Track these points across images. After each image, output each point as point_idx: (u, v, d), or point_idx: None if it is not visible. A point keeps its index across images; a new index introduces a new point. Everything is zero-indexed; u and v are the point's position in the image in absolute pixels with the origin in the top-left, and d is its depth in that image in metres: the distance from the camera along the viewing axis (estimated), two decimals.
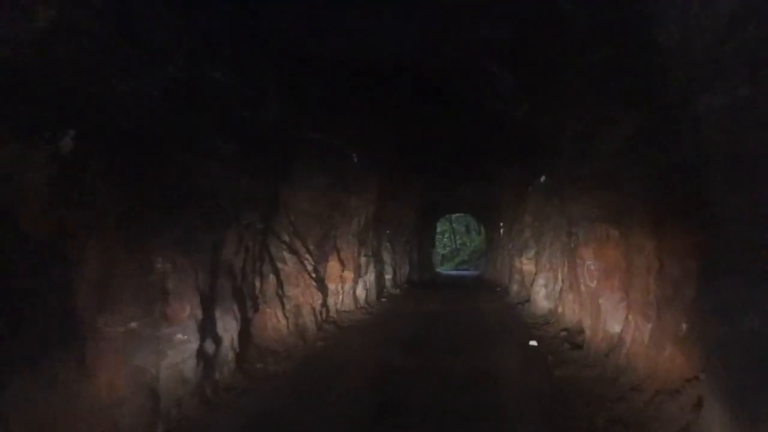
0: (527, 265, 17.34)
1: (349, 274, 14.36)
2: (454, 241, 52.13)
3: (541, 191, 16.42)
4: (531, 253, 17.07)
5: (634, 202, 7.34)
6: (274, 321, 10.24)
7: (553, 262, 14.63)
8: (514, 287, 19.22)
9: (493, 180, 23.96)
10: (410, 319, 14.38)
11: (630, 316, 7.67)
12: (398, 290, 21.11)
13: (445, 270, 43.90)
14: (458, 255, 49.60)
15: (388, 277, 20.96)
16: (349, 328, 12.68)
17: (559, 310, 13.31)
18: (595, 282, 8.90)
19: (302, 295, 11.42)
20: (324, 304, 12.44)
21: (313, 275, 12.05)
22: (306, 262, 11.93)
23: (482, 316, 15.19)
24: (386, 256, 21.06)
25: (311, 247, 12.49)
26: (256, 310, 9.44)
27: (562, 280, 13.39)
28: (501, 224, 25.86)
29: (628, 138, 7.35)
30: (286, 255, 11.18)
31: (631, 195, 7.40)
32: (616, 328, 8.28)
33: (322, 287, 12.61)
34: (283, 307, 10.54)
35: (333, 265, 13.55)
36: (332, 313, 13.31)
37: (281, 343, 10.06)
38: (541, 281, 15.18)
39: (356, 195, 14.84)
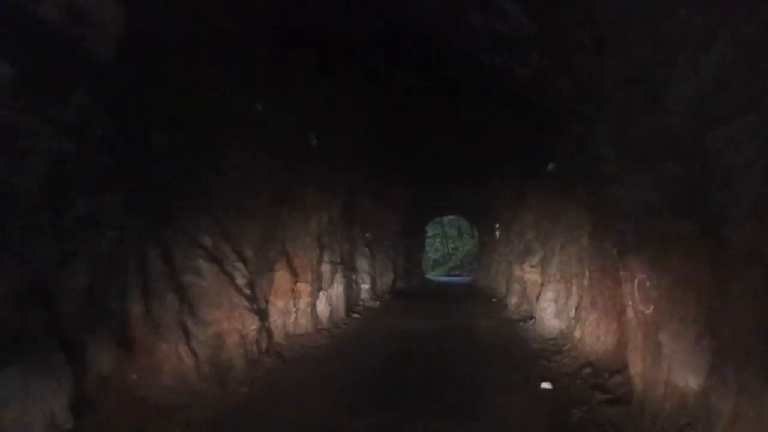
0: (530, 273, 14.10)
1: (304, 287, 11.09)
2: (445, 245, 48.89)
3: (548, 183, 13.21)
4: (535, 259, 13.84)
5: (736, 172, 4.11)
6: (174, 362, 6.96)
7: (566, 272, 11.42)
8: (513, 299, 15.99)
9: (487, 176, 20.79)
10: (382, 345, 11.09)
11: (723, 369, 4.46)
12: (377, 302, 17.82)
13: (436, 276, 40.80)
14: (450, 260, 46.36)
15: (364, 287, 17.69)
16: (297, 361, 9.39)
17: (576, 334, 10.10)
18: (651, 307, 5.63)
19: (227, 319, 8.14)
20: (263, 329, 9.15)
21: (246, 291, 8.77)
22: (237, 273, 8.66)
23: (476, 339, 11.90)
24: (363, 263, 17.78)
25: (248, 253, 9.23)
26: (129, 350, 6.15)
27: (581, 295, 10.17)
28: (497, 226, 22.62)
29: (723, 63, 4.14)
30: (203, 264, 7.90)
31: (730, 163, 4.16)
32: (691, 382, 5.02)
33: (261, 306, 9.34)
34: (190, 340, 7.27)
35: (281, 276, 10.28)
36: (278, 339, 10.03)
37: (182, 393, 6.79)
38: (549, 295, 11.97)
39: (316, 187, 11.59)
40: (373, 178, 18.68)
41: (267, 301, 9.71)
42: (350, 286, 15.38)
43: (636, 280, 5.87)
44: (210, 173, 8.42)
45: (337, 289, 13.33)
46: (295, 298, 10.75)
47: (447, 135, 17.63)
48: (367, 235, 19.62)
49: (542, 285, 12.76)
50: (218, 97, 8.45)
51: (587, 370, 8.37)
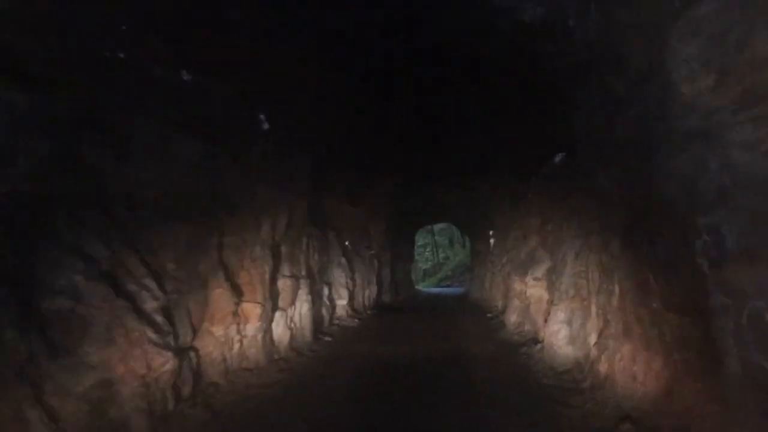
0: (534, 287, 11.68)
1: (252, 308, 8.62)
2: (436, 255, 46.49)
3: (556, 177, 10.88)
4: (540, 270, 11.43)
5: None
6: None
7: (583, 287, 9.05)
8: (513, 317, 13.57)
9: (480, 176, 18.44)
10: (352, 382, 8.63)
11: None
12: (356, 320, 15.33)
13: (426, 287, 38.46)
14: (441, 270, 43.97)
15: (341, 302, 15.22)
16: (233, 410, 6.88)
17: (600, 368, 7.72)
18: None
19: (123, 359, 5.67)
20: (185, 369, 6.68)
21: (158, 318, 6.30)
22: (144, 294, 6.21)
23: (472, 371, 9.45)
24: (339, 276, 15.33)
25: (168, 266, 6.80)
26: None
27: (605, 319, 7.80)
28: (491, 233, 20.26)
29: None
30: (84, 283, 5.45)
31: None
32: None
33: (185, 337, 6.88)
34: (47, 396, 4.82)
35: (219, 296, 7.81)
36: (214, 379, 7.58)
37: None
38: (560, 316, 9.58)
39: (269, 183, 9.17)
40: (352, 180, 16.29)
41: (196, 330, 7.24)
42: (320, 304, 12.93)
43: (745, 312, 3.46)
44: (105, 153, 6.01)
45: (301, 309, 10.86)
46: (239, 323, 8.29)
47: (435, 130, 15.35)
48: (347, 243, 17.20)
49: (550, 302, 10.38)
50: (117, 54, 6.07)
51: (626, 426, 5.98)
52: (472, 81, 10.48)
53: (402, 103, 12.79)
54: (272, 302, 9.39)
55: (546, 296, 10.90)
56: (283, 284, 10.06)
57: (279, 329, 9.72)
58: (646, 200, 5.59)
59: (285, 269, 10.19)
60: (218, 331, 7.76)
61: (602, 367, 7.70)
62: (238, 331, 8.28)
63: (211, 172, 7.56)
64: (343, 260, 15.72)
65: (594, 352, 8.22)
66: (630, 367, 6.83)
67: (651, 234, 5.68)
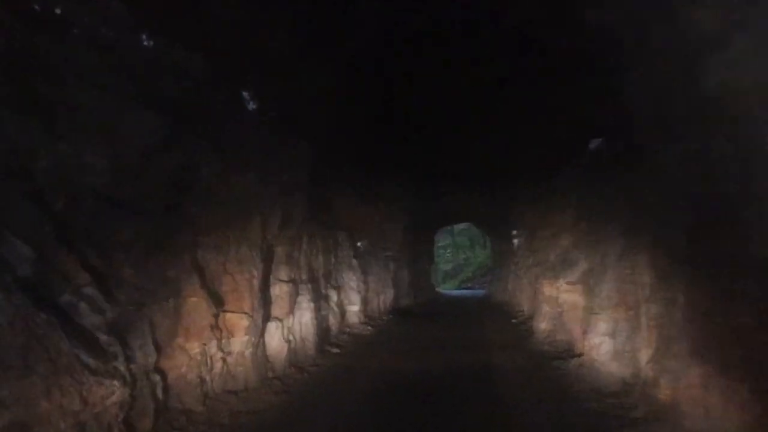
0: (568, 293, 10.17)
1: (238, 320, 7.22)
2: (457, 256, 44.89)
3: (592, 167, 9.39)
4: (574, 273, 9.91)
5: None
6: None
7: (630, 293, 7.55)
8: (543, 324, 12.04)
9: (503, 173, 16.97)
10: (359, 406, 7.22)
11: None
12: (370, 327, 13.90)
13: (446, 289, 36.84)
14: (462, 272, 42.36)
15: (353, 308, 13.81)
16: None
17: (659, 393, 6.26)
18: None
19: (47, 393, 4.29)
20: (136, 401, 5.28)
21: (102, 336, 4.93)
22: (82, 306, 4.85)
23: (501, 392, 7.97)
24: (349, 278, 13.92)
25: (124, 270, 5.46)
26: None
27: (665, 335, 6.31)
28: (514, 232, 18.69)
29: None
30: None
31: None
32: None
33: (143, 358, 5.49)
34: None
35: (194, 306, 6.43)
36: (188, 405, 6.20)
37: None
38: (602, 327, 8.10)
39: (259, 173, 7.78)
40: (364, 175, 14.89)
41: (162, 348, 5.87)
42: (328, 311, 11.52)
43: None
44: (33, 126, 4.70)
45: (302, 318, 9.45)
46: (220, 338, 6.91)
47: (454, 121, 13.91)
48: (359, 244, 15.80)
49: (588, 310, 8.87)
50: None
51: None
52: (500, 55, 9.11)
53: (420, 91, 11.45)
54: (264, 311, 7.99)
55: (582, 303, 9.38)
56: (279, 290, 8.67)
57: (274, 342, 8.33)
58: (736, 181, 4.11)
59: (281, 273, 8.80)
60: (194, 347, 6.39)
61: (661, 394, 6.21)
62: (220, 347, 6.89)
63: (181, 157, 6.20)
64: (355, 262, 14.31)
65: (648, 373, 6.72)
66: (701, 396, 5.37)
67: (742, 227, 4.19)
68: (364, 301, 14.77)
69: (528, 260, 15.61)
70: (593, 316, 8.35)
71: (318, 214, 11.16)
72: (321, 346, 10.27)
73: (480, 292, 31.68)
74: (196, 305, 6.43)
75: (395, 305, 19.05)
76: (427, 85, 10.84)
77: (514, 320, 15.72)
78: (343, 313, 13.00)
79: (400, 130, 13.65)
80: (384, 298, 17.27)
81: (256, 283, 7.61)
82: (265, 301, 8.15)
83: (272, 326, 8.32)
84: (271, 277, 8.58)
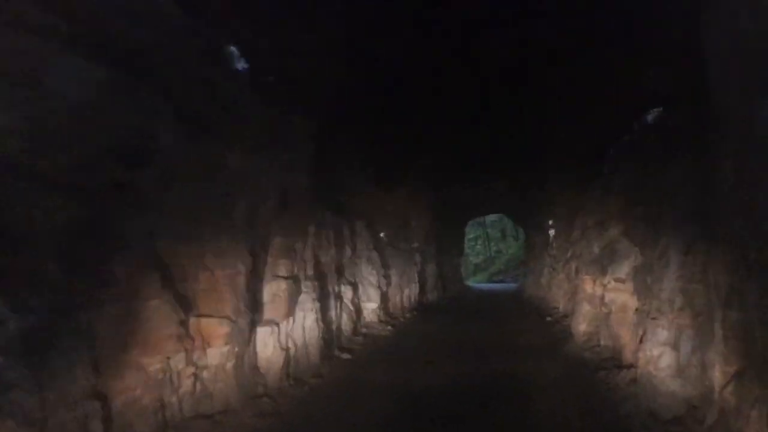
0: (615, 291, 8.59)
1: (216, 326, 5.88)
2: (488, 248, 43.15)
3: (648, 145, 7.81)
4: (623, 269, 8.31)
5: None
6: None
7: (697, 295, 6.01)
8: (582, 325, 10.49)
9: (537, 158, 15.40)
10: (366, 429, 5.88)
11: None
12: (389, 327, 12.50)
13: (477, 282, 35.27)
14: (493, 264, 40.68)
15: (370, 306, 12.42)
16: None
17: (747, 426, 4.73)
18: None
19: None
20: None
21: None
22: None
23: (537, 412, 6.51)
24: (368, 273, 12.54)
25: (47, 265, 4.16)
26: None
27: (745, 351, 4.80)
28: (550, 222, 17.08)
29: None
30: None
31: None
32: None
33: (53, 389, 4.17)
34: None
35: (155, 311, 5.10)
36: None
37: None
38: (661, 335, 6.55)
39: (246, 148, 6.42)
40: (384, 159, 13.47)
41: (101, 367, 4.54)
42: (340, 310, 10.12)
43: None
44: None
45: (306, 320, 8.07)
46: (191, 349, 5.57)
47: (486, 104, 12.42)
48: (382, 235, 14.44)
49: (642, 313, 7.34)
50: None
51: None
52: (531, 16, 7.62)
53: (447, 62, 10.00)
54: (253, 314, 6.64)
55: (634, 304, 7.82)
56: (276, 288, 7.30)
57: (268, 351, 6.98)
58: None
59: (279, 268, 7.43)
60: (153, 363, 5.07)
61: (750, 427, 4.69)
62: (190, 361, 5.56)
63: (131, 120, 4.87)
64: (375, 255, 12.93)
65: (727, 399, 5.19)
66: None
67: None
68: (385, 298, 13.39)
69: (565, 253, 14.03)
70: (650, 321, 6.81)
71: (329, 200, 9.80)
72: (328, 351, 8.92)
73: (512, 285, 30.09)
74: (157, 310, 5.10)
75: (421, 300, 17.66)
76: (454, 53, 9.39)
77: (548, 318, 14.19)
78: (359, 312, 11.62)
79: (427, 110, 12.23)
80: (408, 293, 15.87)
81: (241, 280, 6.27)
82: (256, 302, 6.81)
83: (265, 332, 6.96)
84: (267, 273, 7.24)
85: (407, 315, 14.58)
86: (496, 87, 11.28)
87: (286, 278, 7.48)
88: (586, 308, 10.50)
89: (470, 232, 42.17)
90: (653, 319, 6.68)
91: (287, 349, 7.34)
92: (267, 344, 6.99)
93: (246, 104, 6.50)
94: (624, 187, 8.57)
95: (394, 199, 14.77)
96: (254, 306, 6.72)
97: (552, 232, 16.72)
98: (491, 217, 42.49)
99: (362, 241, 12.46)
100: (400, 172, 14.69)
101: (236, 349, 6.15)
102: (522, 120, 13.00)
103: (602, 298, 9.15)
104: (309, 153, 8.08)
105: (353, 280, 11.58)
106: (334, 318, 9.62)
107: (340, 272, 10.58)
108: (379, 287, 12.72)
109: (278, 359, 7.09)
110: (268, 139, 6.89)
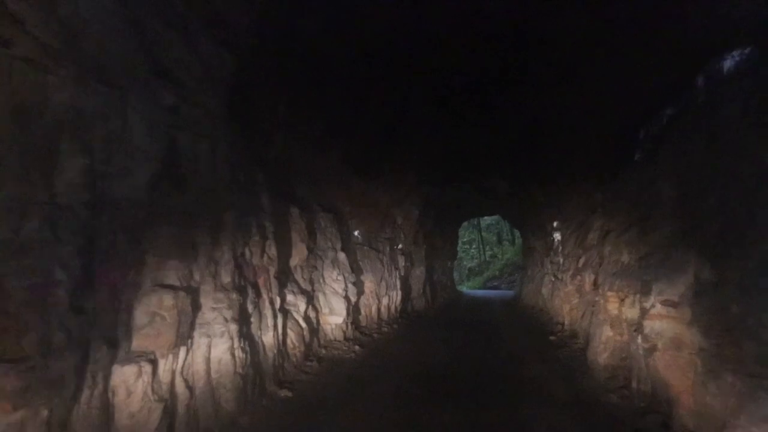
0: (664, 320, 5.89)
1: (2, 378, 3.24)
2: (482, 252, 40.42)
3: (724, 105, 5.16)
4: (676, 288, 5.66)
5: None
6: None
7: None
8: (603, 356, 7.85)
9: (541, 145, 12.76)
10: None
11: None
12: (357, 346, 9.71)
13: (470, 288, 32.71)
14: (488, 269, 37.99)
15: (334, 320, 9.63)
16: None
17: None
18: None
19: None
20: None
21: None
22: None
23: None
24: (333, 279, 9.81)
25: None
26: None
27: None
28: (555, 224, 14.41)
29: None
30: None
31: None
32: None
33: None
34: None
35: None
36: None
37: None
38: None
39: (82, 74, 3.77)
40: (367, 145, 10.79)
41: None
42: (276, 331, 7.30)
43: None
44: None
45: (212, 351, 5.34)
46: None
47: (483, 90, 9.89)
48: (356, 233, 11.79)
49: (712, 356, 4.69)
50: None
51: None
52: None
53: (442, 34, 7.48)
54: (91, 351, 3.95)
55: (694, 340, 5.16)
56: (156, 304, 4.60)
57: (132, 405, 4.28)
58: None
59: (165, 273, 4.76)
60: None
61: None
62: None
63: None
64: (342, 256, 10.22)
65: None
66: None
67: None
68: (354, 310, 10.70)
69: (577, 260, 11.37)
70: (738, 377, 4.15)
71: (272, 182, 7.12)
72: (257, 389, 6.21)
73: (507, 293, 27.47)
74: None
75: (404, 310, 14.99)
76: (453, 23, 6.86)
77: (552, 337, 11.56)
78: (315, 329, 8.91)
79: (417, 87, 9.65)
80: (387, 302, 13.17)
81: (61, 295, 3.58)
82: (115, 327, 4.14)
83: (128, 374, 4.28)
84: (145, 280, 4.56)
85: (384, 329, 11.87)
86: (497, 55, 8.70)
87: (175, 289, 4.79)
88: (607, 334, 7.86)
89: (464, 235, 39.58)
90: (753, 377, 4.01)
91: (168, 400, 4.64)
92: (132, 393, 4.31)
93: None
94: (679, 174, 5.89)
95: (375, 190, 12.10)
96: (106, 333, 4.03)
97: (557, 235, 14.07)
98: (486, 220, 39.89)
99: (326, 238, 9.77)
100: (384, 158, 12.00)
101: (44, 413, 3.46)
102: (523, 105, 10.40)
103: (638, 325, 6.47)
104: (224, 106, 5.39)
105: (309, 288, 8.89)
106: (270, 342, 6.88)
107: (286, 278, 7.90)
108: (347, 296, 10.00)
109: (150, 417, 4.40)
110: (143, 69, 4.22)
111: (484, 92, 10.35)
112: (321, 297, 9.35)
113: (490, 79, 9.59)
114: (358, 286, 10.91)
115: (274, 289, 7.21)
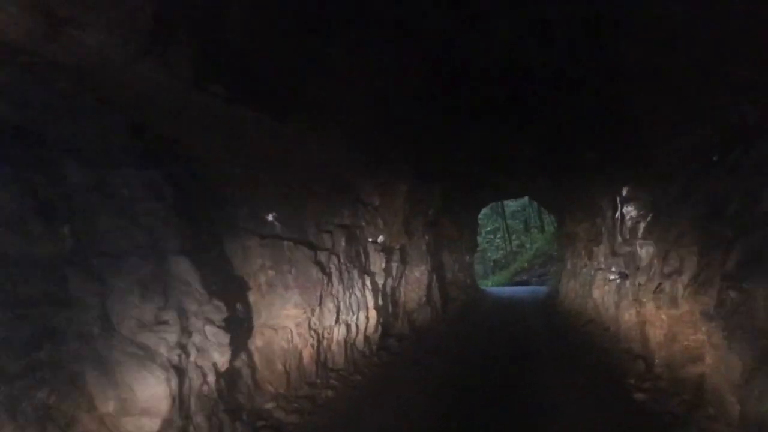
0: None
1: None
2: (508, 242, 34.02)
3: None
4: None
5: None
6: None
7: None
8: None
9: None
10: None
11: None
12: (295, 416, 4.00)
13: (495, 284, 26.81)
14: (515, 261, 31.79)
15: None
16: None
17: None
18: None
19: None
20: None
21: None
22: None
23: None
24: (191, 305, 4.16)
25: None
26: None
27: None
28: (624, 191, 8.32)
29: None
30: None
31: None
32: None
33: None
34: None
35: None
36: None
37: None
38: None
39: None
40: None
41: None
42: None
43: None
44: None
45: None
46: None
47: None
48: (270, 217, 6.12)
49: None
50: None
51: None
52: None
53: None
54: None
55: None
56: None
57: None
58: None
59: None
60: None
61: None
62: None
63: None
64: (187, 268, 4.50)
65: None
66: None
67: None
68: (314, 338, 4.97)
69: (662, 260, 5.51)
70: None
71: None
72: None
73: (539, 289, 21.36)
74: None
75: (386, 335, 9.29)
76: None
77: (639, 394, 5.84)
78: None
79: None
80: (346, 335, 7.42)
81: None
82: None
83: None
84: None
85: (376, 357, 6.09)
86: None
87: None
88: None
89: (487, 224, 33.52)
90: None
91: None
92: None
93: None
94: None
95: (304, 137, 6.33)
96: None
97: (629, 209, 8.05)
98: (511, 207, 33.54)
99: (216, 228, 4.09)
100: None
101: None
102: None
103: None
104: None
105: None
106: None
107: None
108: (226, 331, 4.30)
109: None
110: None
111: None
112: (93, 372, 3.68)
113: None
114: (226, 326, 5.12)
115: None
